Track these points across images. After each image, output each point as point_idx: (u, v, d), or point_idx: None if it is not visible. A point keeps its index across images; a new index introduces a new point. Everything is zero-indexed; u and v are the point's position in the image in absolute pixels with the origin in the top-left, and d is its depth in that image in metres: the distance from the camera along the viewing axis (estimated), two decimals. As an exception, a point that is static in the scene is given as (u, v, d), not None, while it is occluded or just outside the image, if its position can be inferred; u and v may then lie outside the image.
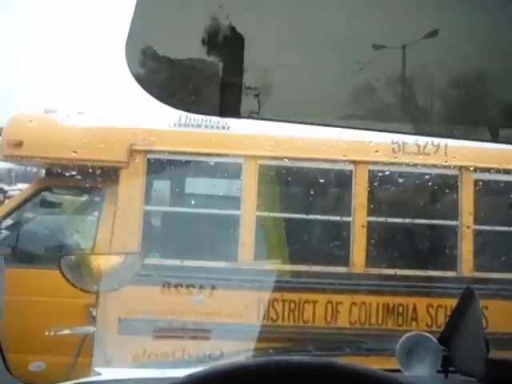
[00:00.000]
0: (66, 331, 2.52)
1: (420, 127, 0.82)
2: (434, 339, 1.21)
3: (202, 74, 0.58)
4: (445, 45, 0.71)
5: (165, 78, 0.59)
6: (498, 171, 4.30)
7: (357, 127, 0.69)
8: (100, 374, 1.04)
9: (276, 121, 0.64)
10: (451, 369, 1.22)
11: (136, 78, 0.58)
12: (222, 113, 0.60)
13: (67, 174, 4.19)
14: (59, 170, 4.28)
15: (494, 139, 0.85)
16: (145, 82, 0.58)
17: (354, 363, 0.55)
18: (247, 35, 0.58)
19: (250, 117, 0.61)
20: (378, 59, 0.69)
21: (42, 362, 2.54)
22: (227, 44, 0.58)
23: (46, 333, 2.73)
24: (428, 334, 1.23)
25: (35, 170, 6.39)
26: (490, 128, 0.84)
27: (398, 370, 1.26)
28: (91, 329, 2.38)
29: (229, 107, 0.59)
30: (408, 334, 1.24)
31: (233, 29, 0.57)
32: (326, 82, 0.63)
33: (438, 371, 1.25)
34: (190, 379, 0.53)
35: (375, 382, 0.54)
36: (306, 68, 0.62)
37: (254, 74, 0.59)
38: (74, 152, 3.99)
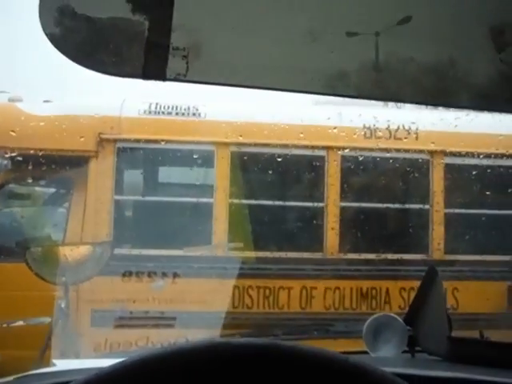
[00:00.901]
0: (20, 322, 2.47)
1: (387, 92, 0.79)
2: (400, 319, 1.21)
3: (125, 33, 0.55)
4: (418, 31, 0.70)
5: (83, 38, 0.56)
6: (468, 155, 4.36)
7: (296, 90, 0.66)
8: (55, 365, 1.01)
9: (204, 83, 0.61)
10: (417, 348, 1.22)
11: (50, 39, 0.54)
12: (146, 75, 0.57)
13: (34, 165, 4.08)
14: (26, 161, 4.16)
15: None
16: (60, 42, 0.54)
17: (299, 345, 0.53)
18: None
19: (176, 79, 0.58)
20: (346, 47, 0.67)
21: (-2, 354, 2.49)
22: (155, 2, 0.54)
23: (-1, 325, 2.67)
24: (394, 315, 1.23)
25: (4, 162, 6.24)
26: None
27: (365, 352, 1.26)
28: (46, 319, 2.33)
29: (153, 69, 0.56)
30: (374, 316, 1.23)
31: None
32: (264, 47, 0.60)
33: (405, 351, 1.25)
34: (119, 366, 0.50)
35: (321, 362, 0.52)
36: (243, 30, 0.59)
37: (183, 34, 0.56)
38: (41, 142, 3.89)
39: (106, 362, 0.56)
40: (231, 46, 0.59)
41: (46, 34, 0.54)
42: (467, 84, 0.76)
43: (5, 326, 2.61)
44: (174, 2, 0.54)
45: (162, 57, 0.55)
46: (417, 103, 0.77)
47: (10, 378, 0.91)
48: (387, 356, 1.18)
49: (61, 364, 1.05)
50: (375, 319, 1.22)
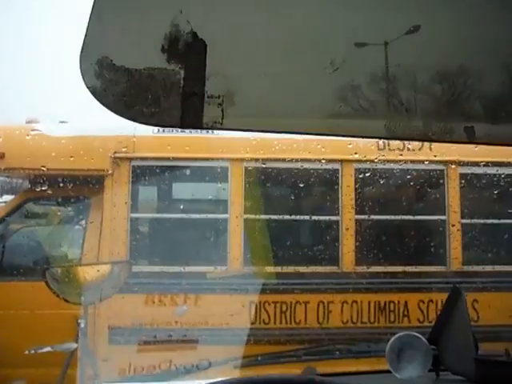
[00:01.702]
0: (48, 349, 2.48)
1: (403, 131, 0.80)
2: (424, 339, 1.20)
3: (162, 83, 0.56)
4: (427, 41, 0.70)
5: (122, 90, 0.57)
6: (483, 164, 4.33)
7: (334, 134, 0.67)
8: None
9: (240, 130, 0.62)
10: (442, 368, 1.21)
11: (92, 91, 0.56)
12: (184, 124, 0.58)
13: (52, 185, 4.13)
14: (43, 181, 4.22)
15: (473, 139, 0.84)
16: (101, 94, 0.56)
17: (334, 379, 0.53)
18: (210, 41, 0.56)
19: (212, 127, 0.59)
20: (355, 58, 0.67)
21: (22, 381, 2.50)
22: (188, 51, 0.55)
23: (26, 351, 2.68)
24: (417, 334, 1.22)
25: (21, 181, 6.33)
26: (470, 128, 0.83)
27: (388, 371, 1.25)
28: (73, 345, 2.34)
29: (190, 117, 0.57)
30: (397, 335, 1.22)
31: (194, 35, 0.55)
32: (296, 87, 0.61)
33: (430, 370, 1.24)
34: None
35: None
36: (273, 74, 0.60)
37: (217, 82, 0.57)
38: (58, 162, 3.95)
39: None
40: (265, 92, 0.60)
41: (88, 88, 0.55)
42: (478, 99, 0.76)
43: (32, 352, 2.63)
44: (207, 50, 0.55)
45: (198, 105, 0.56)
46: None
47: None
48: (411, 376, 1.17)
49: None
50: (398, 338, 1.22)
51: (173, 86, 0.56)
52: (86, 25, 0.53)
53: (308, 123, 0.64)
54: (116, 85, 0.56)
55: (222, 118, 0.58)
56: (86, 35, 0.53)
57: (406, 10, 0.68)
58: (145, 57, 0.56)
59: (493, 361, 1.09)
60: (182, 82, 0.56)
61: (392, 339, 1.22)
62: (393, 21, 0.68)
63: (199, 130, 3.93)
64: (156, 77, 0.56)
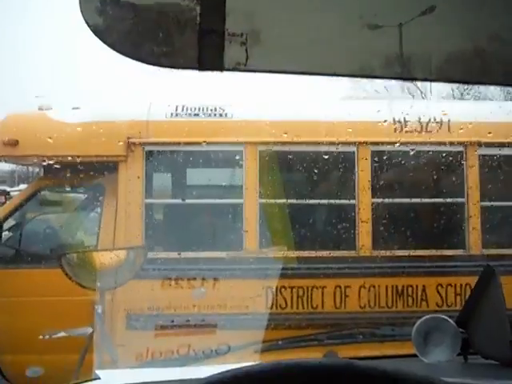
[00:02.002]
0: (62, 333, 2.48)
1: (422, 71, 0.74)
2: (452, 322, 1.15)
3: (175, 20, 0.50)
4: (442, 21, 0.65)
5: (128, 28, 0.51)
6: (503, 145, 4.23)
7: (357, 75, 0.61)
8: (99, 377, 0.98)
9: (266, 72, 0.56)
10: (471, 352, 1.16)
11: (93, 30, 0.50)
12: (202, 65, 0.51)
13: (66, 171, 4.13)
14: (57, 168, 4.21)
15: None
16: (104, 33, 0.50)
17: (374, 362, 0.49)
18: None
19: (235, 69, 0.52)
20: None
21: (39, 368, 2.50)
22: None
23: (41, 336, 2.69)
24: (445, 317, 1.17)
25: (38, 169, 6.35)
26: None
27: (414, 355, 1.20)
28: (88, 330, 2.33)
29: (209, 58, 0.50)
30: (424, 318, 1.18)
31: None
32: (326, 28, 0.55)
33: (458, 354, 1.19)
34: None
35: (394, 381, 0.48)
36: (302, 11, 0.54)
37: (239, 19, 0.51)
38: (67, 149, 3.94)
39: (147, 372, 0.53)
40: (292, 30, 0.54)
41: (89, 26, 0.49)
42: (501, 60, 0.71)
43: (47, 337, 2.63)
44: None
45: (218, 44, 0.50)
46: (452, 81, 0.72)
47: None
48: (439, 361, 1.12)
49: (105, 376, 1.03)
50: (425, 321, 1.17)
51: (188, 23, 0.49)
52: None
53: (337, 64, 0.58)
54: (121, 22, 0.50)
55: (246, 59, 0.51)
56: None
57: None
58: None
59: (530, 344, 1.03)
60: (198, 18, 0.49)
61: (418, 322, 1.17)
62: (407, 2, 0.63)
63: (212, 114, 3.88)
64: (168, 13, 0.49)
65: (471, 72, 0.71)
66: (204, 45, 0.49)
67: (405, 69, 0.63)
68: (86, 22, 0.49)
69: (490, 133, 4.16)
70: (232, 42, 0.50)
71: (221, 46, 0.49)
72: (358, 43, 0.58)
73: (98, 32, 0.49)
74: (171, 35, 0.50)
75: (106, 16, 0.49)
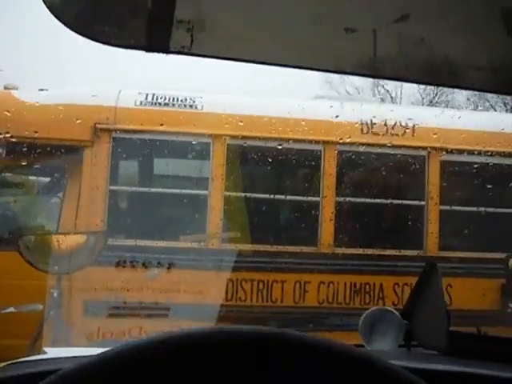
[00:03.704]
0: (11, 309, 2.45)
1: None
2: (397, 313, 1.20)
3: (128, 3, 0.53)
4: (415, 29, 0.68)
5: (82, 7, 0.54)
6: (465, 152, 4.37)
7: (307, 67, 0.64)
8: (46, 353, 0.99)
9: (208, 57, 0.59)
10: (414, 343, 1.21)
11: (49, 7, 0.52)
12: (150, 46, 0.55)
13: (29, 153, 4.04)
14: (21, 150, 4.12)
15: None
16: (60, 11, 0.53)
17: (302, 333, 0.52)
18: None
19: (180, 52, 0.56)
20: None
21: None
22: None
23: (-10, 311, 2.65)
24: (390, 309, 1.22)
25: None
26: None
27: (361, 345, 1.25)
28: (38, 306, 2.31)
29: (157, 41, 0.54)
30: (371, 309, 1.22)
31: None
32: (270, 20, 0.58)
33: (402, 345, 1.24)
34: (111, 354, 0.49)
35: (327, 353, 0.51)
36: (249, 3, 0.57)
37: (188, 6, 0.54)
38: (32, 131, 3.86)
39: (97, 351, 0.54)
40: (236, 19, 0.58)
41: (45, 2, 0.52)
42: (474, 64, 0.75)
43: (-4, 312, 2.59)
44: None
45: (167, 29, 0.54)
46: (421, 83, 0.76)
47: (1, 365, 0.90)
48: (383, 349, 1.17)
49: (52, 352, 1.04)
50: (371, 312, 1.22)
51: (140, 8, 0.53)
52: None
53: (280, 53, 0.62)
54: (76, 1, 0.53)
55: (191, 44, 0.55)
56: None
57: None
58: None
59: (465, 333, 1.09)
60: (149, 3, 0.53)
61: (365, 313, 1.21)
62: (382, 8, 0.66)
63: (182, 105, 3.87)
64: None
65: (441, 75, 0.74)
66: (153, 28, 0.53)
67: (346, 62, 0.66)
68: (43, 1, 0.51)
69: (453, 139, 4.29)
70: (179, 28, 0.54)
71: (168, 30, 0.53)
72: (306, 38, 0.61)
73: (53, 10, 0.52)
74: (123, 17, 0.53)
75: None
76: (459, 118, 4.46)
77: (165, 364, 0.49)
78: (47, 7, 0.51)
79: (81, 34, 0.54)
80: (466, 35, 0.71)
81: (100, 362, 0.49)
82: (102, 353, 0.50)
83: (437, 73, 0.75)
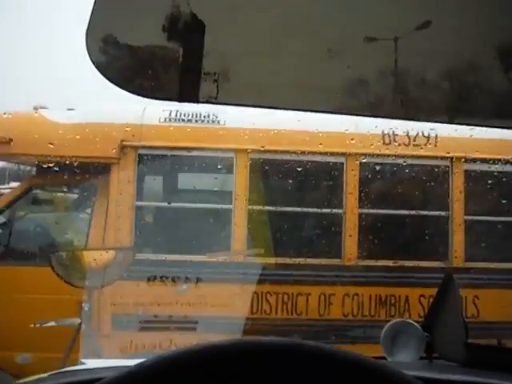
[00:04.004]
0: (52, 323, 2.53)
1: (404, 112, 0.82)
2: (418, 326, 1.23)
3: (162, 60, 0.60)
4: (437, 36, 0.71)
5: (125, 65, 0.61)
6: (488, 161, 4.33)
7: (322, 110, 0.70)
8: (84, 363, 1.05)
9: (233, 104, 0.66)
10: (435, 355, 1.23)
11: (97, 66, 0.59)
12: (181, 97, 0.62)
13: (58, 171, 4.17)
14: (50, 168, 4.25)
15: (486, 124, 0.86)
16: (105, 69, 0.60)
17: (321, 344, 0.56)
18: (208, 22, 0.60)
19: (208, 101, 0.62)
20: (359, 50, 0.69)
21: (28, 355, 2.55)
22: (187, 30, 0.59)
23: (31, 325, 2.74)
24: (411, 321, 1.24)
25: (28, 168, 6.39)
26: (483, 115, 0.85)
27: (383, 358, 1.27)
28: (76, 320, 2.39)
29: (187, 92, 0.61)
30: (392, 322, 1.25)
31: (193, 15, 0.59)
32: (288, 68, 0.64)
33: (423, 357, 1.27)
34: (150, 363, 0.54)
35: (341, 363, 0.55)
36: (266, 54, 0.63)
37: (213, 60, 0.61)
38: (60, 149, 3.99)
39: (132, 362, 0.60)
40: (257, 70, 0.64)
41: (93, 62, 0.59)
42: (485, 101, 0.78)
43: (38, 325, 2.68)
44: (205, 30, 0.59)
45: (195, 81, 0.60)
46: (435, 122, 0.80)
47: (45, 375, 0.96)
48: (405, 361, 1.19)
49: (89, 363, 1.10)
50: (393, 325, 1.24)
51: (172, 63, 0.59)
52: (92, 4, 0.57)
53: (300, 101, 0.67)
54: (119, 60, 0.60)
55: (217, 93, 0.61)
56: (92, 13, 0.57)
57: (418, 5, 0.70)
58: (147, 35, 0.60)
59: (483, 345, 1.11)
60: (180, 59, 0.59)
61: (387, 326, 1.24)
62: (404, 16, 0.70)
63: (205, 120, 3.95)
64: (156, 54, 0.59)
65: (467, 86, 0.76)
66: (183, 81, 0.60)
67: (364, 105, 0.71)
68: (90, 58, 0.58)
69: (476, 149, 4.26)
70: (206, 80, 0.60)
71: (197, 82, 0.60)
72: (316, 82, 0.66)
73: (99, 67, 0.59)
74: (158, 72, 0.60)
75: (107, 54, 0.59)
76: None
77: (199, 374, 0.55)
78: (95, 66, 0.58)
79: (123, 88, 0.60)
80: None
81: (140, 370, 0.54)
82: (141, 362, 0.56)
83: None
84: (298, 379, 0.55)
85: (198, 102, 0.61)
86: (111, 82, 0.59)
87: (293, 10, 0.61)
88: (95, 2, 0.56)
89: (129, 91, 0.61)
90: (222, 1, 0.61)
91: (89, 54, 0.58)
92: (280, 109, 0.68)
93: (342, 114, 0.72)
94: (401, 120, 0.80)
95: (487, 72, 0.78)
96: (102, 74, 0.59)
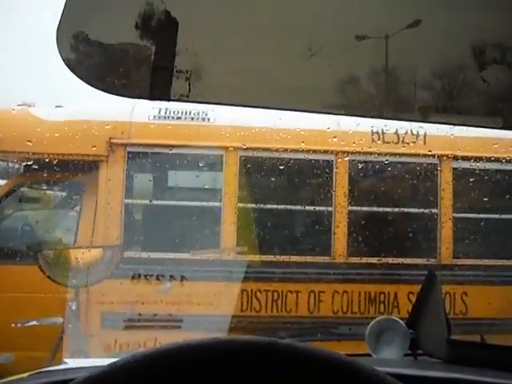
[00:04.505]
0: (34, 322, 2.52)
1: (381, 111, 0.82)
2: (402, 323, 1.23)
3: (134, 57, 0.60)
4: (427, 35, 0.71)
5: (96, 62, 0.60)
6: (476, 159, 4.36)
7: (291, 108, 0.70)
8: (66, 363, 1.04)
9: (205, 103, 0.66)
10: (420, 352, 1.24)
11: (66, 63, 0.58)
12: (152, 95, 0.62)
13: (46, 169, 4.14)
14: (38, 165, 4.22)
15: (476, 125, 0.86)
16: (75, 66, 0.59)
17: (296, 342, 0.56)
18: (181, 20, 0.59)
19: (179, 99, 0.62)
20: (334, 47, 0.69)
21: (10, 354, 2.54)
22: (160, 28, 0.59)
23: (13, 325, 2.72)
24: (396, 318, 1.25)
25: (15, 165, 6.33)
26: (472, 115, 0.85)
27: (368, 355, 1.28)
28: (58, 320, 2.38)
29: (159, 90, 0.61)
30: (376, 319, 1.26)
31: (167, 12, 0.59)
32: (262, 67, 0.64)
33: (408, 354, 1.27)
34: (122, 363, 0.54)
35: (316, 361, 0.55)
36: (239, 53, 0.63)
37: (186, 58, 0.61)
38: (48, 147, 3.97)
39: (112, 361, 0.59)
40: (230, 68, 0.64)
41: (63, 59, 0.58)
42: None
43: (19, 325, 2.66)
44: (178, 28, 0.58)
45: (167, 79, 0.60)
46: (424, 121, 0.80)
47: (25, 375, 0.95)
48: (390, 358, 1.20)
49: (72, 362, 1.09)
50: (378, 322, 1.25)
51: (144, 61, 0.59)
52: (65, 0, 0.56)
53: (269, 99, 0.67)
54: (90, 58, 0.60)
55: (189, 91, 0.61)
56: (63, 10, 0.56)
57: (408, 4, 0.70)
58: (119, 32, 0.60)
59: (465, 342, 1.12)
60: (152, 56, 0.59)
61: (372, 323, 1.25)
62: (394, 15, 0.70)
63: (195, 118, 3.93)
64: (128, 51, 0.59)
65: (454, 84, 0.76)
66: (155, 79, 0.59)
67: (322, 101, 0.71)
68: (61, 56, 0.57)
69: (464, 147, 4.29)
70: (178, 78, 0.60)
71: (169, 80, 0.60)
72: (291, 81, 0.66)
73: (70, 65, 0.58)
74: (129, 70, 0.60)
75: (77, 51, 0.59)
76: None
77: (172, 373, 0.54)
78: (65, 63, 0.58)
79: (93, 86, 0.60)
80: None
81: (113, 369, 0.54)
82: (114, 361, 0.55)
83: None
84: (272, 378, 0.54)
85: (169, 99, 0.61)
86: (82, 79, 0.59)
87: (268, 8, 0.61)
88: (66, 1, 0.55)
89: (100, 89, 0.60)
90: None
91: (59, 50, 0.57)
92: (253, 107, 0.68)
93: (318, 112, 0.72)
94: (389, 120, 0.80)
95: (476, 71, 0.78)
96: (72, 71, 0.58)
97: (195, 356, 0.54)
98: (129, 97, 0.61)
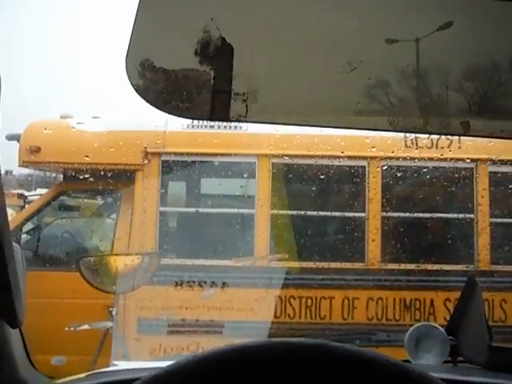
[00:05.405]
0: (85, 326, 2.59)
1: (430, 124, 0.83)
2: (441, 329, 1.23)
3: (195, 82, 0.64)
4: (459, 36, 0.72)
5: (161, 88, 0.65)
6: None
7: (349, 127, 0.72)
8: (116, 365, 1.09)
9: (262, 123, 0.70)
10: (459, 358, 1.24)
11: (136, 89, 0.64)
12: (213, 117, 0.67)
13: (84, 178, 4.26)
14: (76, 175, 4.36)
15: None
16: (144, 91, 0.64)
17: (348, 345, 0.58)
18: (236, 45, 0.64)
19: (238, 120, 0.67)
20: (384, 54, 0.71)
21: (63, 357, 2.62)
22: (218, 54, 0.64)
23: (66, 328, 2.80)
24: (435, 325, 1.25)
25: (54, 175, 6.53)
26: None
27: (407, 361, 1.28)
28: (108, 324, 2.45)
29: (218, 112, 0.65)
30: (416, 325, 1.26)
31: (223, 40, 0.63)
32: (313, 83, 0.67)
33: (448, 361, 1.27)
34: (185, 363, 0.57)
35: (368, 363, 0.57)
36: (291, 72, 0.67)
37: (242, 81, 0.65)
38: (86, 157, 4.09)
39: (162, 364, 0.63)
40: (284, 89, 0.67)
41: (133, 85, 0.64)
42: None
43: (72, 329, 2.75)
44: (234, 53, 0.63)
45: (226, 101, 0.65)
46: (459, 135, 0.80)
47: (83, 375, 1.00)
48: (429, 364, 1.20)
49: (121, 365, 1.14)
50: (417, 328, 1.25)
51: (204, 85, 0.64)
52: (130, 32, 0.62)
53: (325, 118, 0.70)
54: (156, 83, 0.65)
55: (246, 112, 0.65)
56: (130, 41, 0.62)
57: (439, 5, 0.71)
58: (180, 59, 0.65)
59: (506, 348, 1.11)
60: (211, 81, 0.64)
61: (411, 329, 1.25)
62: (425, 17, 0.71)
63: (227, 126, 4.01)
64: (190, 76, 0.64)
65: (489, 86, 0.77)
66: (215, 101, 0.64)
67: (397, 122, 0.73)
68: (130, 82, 0.63)
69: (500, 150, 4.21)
70: (236, 100, 0.64)
71: (227, 102, 0.64)
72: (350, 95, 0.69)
73: (139, 90, 0.64)
74: (191, 94, 0.65)
75: (145, 78, 0.64)
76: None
77: (230, 373, 0.58)
78: (134, 89, 0.63)
79: (160, 110, 0.65)
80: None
81: (174, 370, 0.58)
82: (175, 362, 0.59)
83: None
84: (324, 379, 0.57)
85: (228, 120, 0.66)
86: (149, 103, 0.64)
87: (313, 27, 0.64)
88: (133, 31, 0.61)
89: (165, 112, 0.65)
90: (249, 25, 0.65)
91: (129, 77, 0.63)
92: (305, 126, 0.71)
93: (367, 130, 0.75)
94: (427, 134, 0.81)
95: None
96: (141, 96, 0.64)
97: (253, 357, 0.57)
98: (192, 118, 0.66)
